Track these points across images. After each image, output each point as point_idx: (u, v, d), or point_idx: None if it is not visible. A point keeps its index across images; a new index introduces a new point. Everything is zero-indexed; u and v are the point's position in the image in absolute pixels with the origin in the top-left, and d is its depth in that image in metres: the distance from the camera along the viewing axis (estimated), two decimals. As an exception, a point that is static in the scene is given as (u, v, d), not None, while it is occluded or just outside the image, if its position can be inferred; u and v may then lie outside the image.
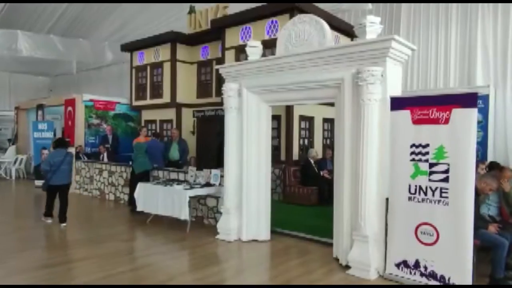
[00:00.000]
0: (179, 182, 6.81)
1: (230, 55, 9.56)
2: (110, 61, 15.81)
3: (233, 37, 9.50)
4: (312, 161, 8.40)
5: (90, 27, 15.92)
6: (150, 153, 7.85)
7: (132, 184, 7.86)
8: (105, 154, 11.01)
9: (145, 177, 7.55)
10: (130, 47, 12.22)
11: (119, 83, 16.82)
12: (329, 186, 8.26)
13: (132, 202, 7.59)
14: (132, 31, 13.91)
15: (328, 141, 10.09)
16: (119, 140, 12.04)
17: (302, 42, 5.01)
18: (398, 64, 4.40)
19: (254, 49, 5.66)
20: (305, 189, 8.09)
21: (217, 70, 10.94)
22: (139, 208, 6.73)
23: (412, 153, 3.93)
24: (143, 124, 12.23)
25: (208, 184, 6.45)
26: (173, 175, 7.44)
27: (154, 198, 6.43)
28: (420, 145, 3.88)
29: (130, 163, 8.55)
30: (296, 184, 8.35)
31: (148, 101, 11.79)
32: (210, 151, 11.11)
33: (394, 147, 4.08)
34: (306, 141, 9.32)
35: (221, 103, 10.96)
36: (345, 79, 4.46)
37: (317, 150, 8.80)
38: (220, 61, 10.31)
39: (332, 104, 10.13)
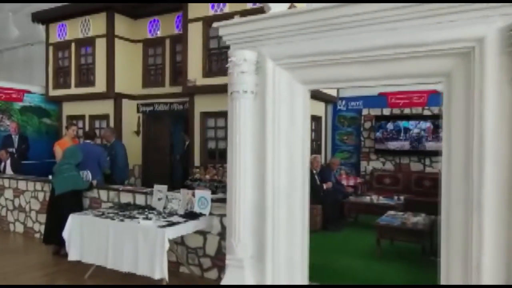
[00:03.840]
0: (140, 210, 4.32)
1: (195, 30, 7.19)
2: (15, 38, 12.09)
3: (199, 5, 7.13)
4: (314, 170, 6.45)
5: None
6: (83, 164, 5.17)
7: (50, 211, 5.06)
8: (8, 162, 7.81)
9: (72, 201, 4.88)
10: (45, 17, 9.06)
11: (28, 67, 13.12)
12: (335, 203, 6.41)
13: (52, 239, 4.88)
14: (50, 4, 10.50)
15: (314, 145, 8.23)
16: (29, 142, 8.86)
17: (375, -17, 3.00)
18: None
19: (279, -3, 3.49)
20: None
21: (171, 51, 8.49)
22: (72, 257, 4.07)
23: None
24: (64, 120, 9.16)
25: (191, 215, 4.08)
26: (126, 198, 4.88)
27: (100, 240, 3.86)
28: None
29: (50, 177, 5.72)
30: (293, 202, 6.30)
31: (73, 90, 8.79)
32: (162, 157, 8.56)
33: None
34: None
35: (178, 95, 8.45)
36: (485, 39, 2.54)
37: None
38: (179, 38, 7.86)
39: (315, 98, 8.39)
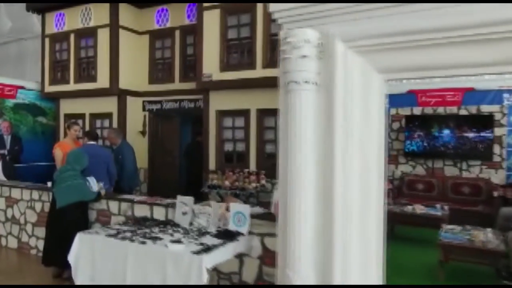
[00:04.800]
0: (162, 227, 3.56)
1: (211, 18, 6.44)
2: (7, 31, 11.23)
3: (217, -9, 6.39)
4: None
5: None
6: (89, 170, 4.40)
7: (51, 226, 4.26)
8: (0, 164, 7.05)
9: (77, 214, 4.11)
10: (41, 6, 8.24)
11: (20, 64, 12.28)
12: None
13: (53, 260, 4.13)
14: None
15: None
16: (23, 143, 8.10)
17: None
18: None
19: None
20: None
21: (182, 43, 7.72)
22: (80, 281, 3.32)
23: None
24: (62, 119, 8.37)
25: (226, 234, 3.34)
26: (141, 211, 4.12)
27: (116, 268, 3.11)
28: None
29: (50, 184, 4.96)
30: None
31: (72, 86, 8.00)
32: (171, 160, 7.80)
33: None
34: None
35: (189, 91, 7.62)
36: None
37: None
38: (191, 29, 7.16)
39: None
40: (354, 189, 2.65)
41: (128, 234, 3.29)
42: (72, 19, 7.94)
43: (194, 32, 7.32)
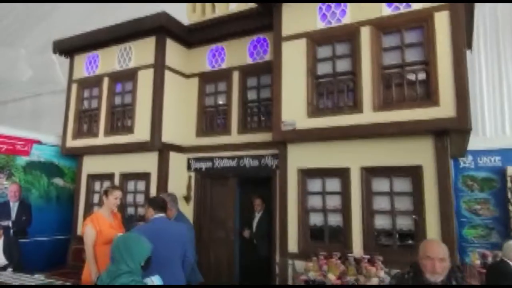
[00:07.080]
0: None
1: (294, 51, 4.98)
2: (27, 80, 10.01)
3: (300, 18, 5.00)
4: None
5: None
6: (159, 261, 2.61)
7: None
8: (1, 242, 5.28)
9: None
10: (71, 46, 6.95)
11: (35, 120, 10.95)
12: None
13: None
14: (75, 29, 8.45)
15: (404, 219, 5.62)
16: (32, 211, 6.44)
17: None
18: None
19: None
20: None
21: (241, 86, 5.89)
22: None
23: None
24: (84, 181, 6.69)
25: None
26: None
27: None
28: None
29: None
30: (498, 328, 3.60)
31: (102, 140, 6.41)
32: (224, 235, 5.95)
33: None
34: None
35: (251, 145, 5.44)
36: None
37: None
38: (253, 69, 5.84)
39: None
40: None
41: None
42: (107, 60, 6.59)
43: (257, 73, 5.93)
